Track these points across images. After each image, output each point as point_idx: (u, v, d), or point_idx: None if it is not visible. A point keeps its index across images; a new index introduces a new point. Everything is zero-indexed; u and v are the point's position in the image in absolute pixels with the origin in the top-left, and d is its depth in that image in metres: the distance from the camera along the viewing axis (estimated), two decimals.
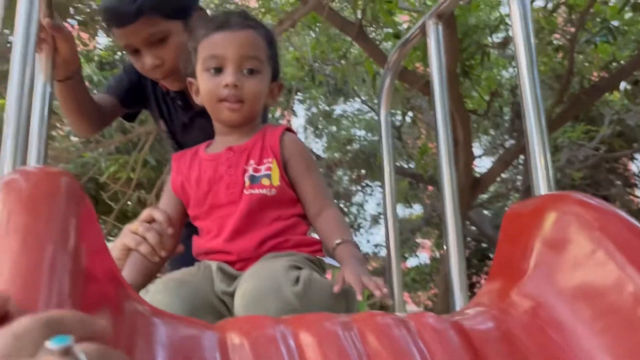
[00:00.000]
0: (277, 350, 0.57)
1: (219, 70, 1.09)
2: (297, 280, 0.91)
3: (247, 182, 1.06)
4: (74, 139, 5.75)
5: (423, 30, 1.21)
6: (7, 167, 0.88)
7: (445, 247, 1.10)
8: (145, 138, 4.57)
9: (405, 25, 4.93)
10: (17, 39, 0.94)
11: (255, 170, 1.07)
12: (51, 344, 0.31)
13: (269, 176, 1.07)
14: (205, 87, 1.11)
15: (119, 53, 6.66)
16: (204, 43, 1.12)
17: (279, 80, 1.19)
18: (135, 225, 1.08)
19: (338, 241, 1.01)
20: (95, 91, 5.80)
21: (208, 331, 0.57)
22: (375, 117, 7.76)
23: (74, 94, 1.34)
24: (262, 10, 5.56)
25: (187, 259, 1.13)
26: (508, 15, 4.99)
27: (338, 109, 8.12)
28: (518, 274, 0.70)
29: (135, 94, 1.50)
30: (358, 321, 0.64)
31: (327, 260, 1.07)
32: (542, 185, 0.84)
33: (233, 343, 0.57)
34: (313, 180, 1.10)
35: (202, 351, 0.54)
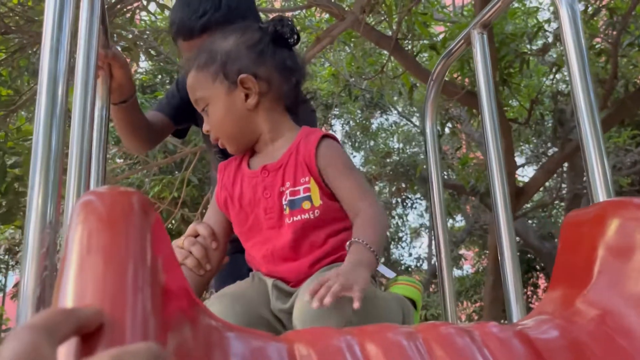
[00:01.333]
0: None
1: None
2: None
3: (287, 209, 1.01)
4: (119, 161, 5.94)
5: (467, 40, 1.21)
6: (73, 187, 0.92)
7: (499, 258, 1.09)
8: (189, 158, 4.68)
9: (440, 37, 4.92)
10: (79, 68, 0.99)
11: (293, 193, 1.02)
12: None
13: (309, 198, 1.01)
14: None
15: (160, 76, 6.86)
16: None
17: (245, 75, 1.05)
18: (181, 240, 1.11)
19: (350, 241, 0.95)
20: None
21: (277, 343, 0.58)
22: (413, 129, 7.73)
23: (128, 116, 1.40)
24: (298, 28, 5.64)
25: (233, 275, 1.15)
26: (547, 22, 4.93)
27: (375, 122, 8.13)
28: (582, 282, 0.69)
29: (186, 111, 1.55)
30: (421, 331, 0.65)
31: (381, 269, 1.06)
32: (600, 191, 0.83)
33: (301, 354, 0.58)
34: (348, 182, 1.03)
35: None
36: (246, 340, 0.57)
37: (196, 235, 1.12)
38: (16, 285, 8.12)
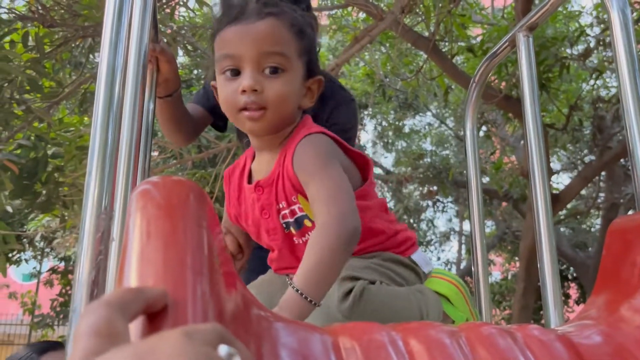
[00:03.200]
0: (388, 355, 0.59)
1: (235, 72, 0.92)
2: (348, 293, 0.88)
3: (293, 229, 0.96)
4: (153, 154, 6.05)
5: (512, 42, 1.20)
6: (122, 177, 0.95)
7: (538, 265, 1.08)
8: (225, 154, 4.74)
9: (478, 39, 4.87)
10: (131, 61, 1.01)
11: (292, 213, 0.95)
12: (222, 349, 0.35)
13: (306, 216, 0.94)
14: (223, 94, 0.94)
15: (196, 71, 6.95)
16: (217, 40, 0.96)
17: (316, 76, 0.99)
18: None
19: (289, 281, 0.82)
20: None
21: (323, 335, 0.60)
22: (446, 132, 7.67)
23: (172, 110, 1.43)
24: (334, 27, 5.66)
25: (257, 270, 1.16)
26: (589, 26, 4.83)
27: (408, 123, 8.09)
28: (627, 289, 0.69)
29: None
30: (463, 330, 0.65)
31: (417, 257, 1.04)
32: None
33: (345, 347, 0.59)
34: (313, 187, 0.89)
35: (319, 353, 0.57)
36: (293, 330, 0.58)
37: None
38: (49, 270, 8.34)
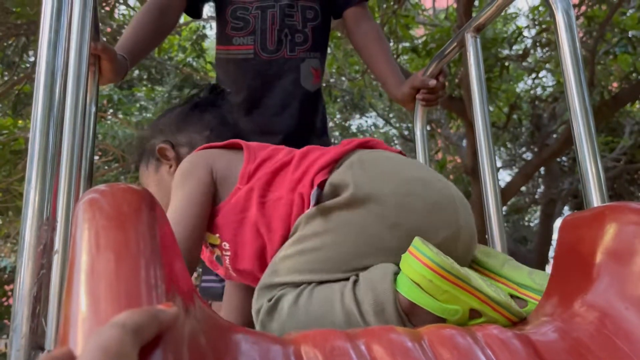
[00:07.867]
0: None
1: None
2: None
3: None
4: (94, 158, 5.83)
5: (460, 43, 1.22)
6: (64, 184, 0.90)
7: None
8: None
9: (421, 40, 4.96)
10: (71, 62, 0.96)
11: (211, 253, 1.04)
12: None
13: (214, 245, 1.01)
14: None
15: (137, 72, 6.75)
16: None
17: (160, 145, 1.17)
18: None
19: None
20: (115, 111, 5.84)
21: (284, 345, 0.58)
22: (391, 131, 7.78)
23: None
24: None
25: None
26: (526, 27, 5.01)
27: (354, 124, 8.15)
28: (580, 286, 0.70)
29: None
30: (425, 333, 0.65)
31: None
32: (594, 195, 0.85)
33: (308, 356, 0.57)
34: None
35: None
36: (254, 341, 0.56)
37: None
38: None
